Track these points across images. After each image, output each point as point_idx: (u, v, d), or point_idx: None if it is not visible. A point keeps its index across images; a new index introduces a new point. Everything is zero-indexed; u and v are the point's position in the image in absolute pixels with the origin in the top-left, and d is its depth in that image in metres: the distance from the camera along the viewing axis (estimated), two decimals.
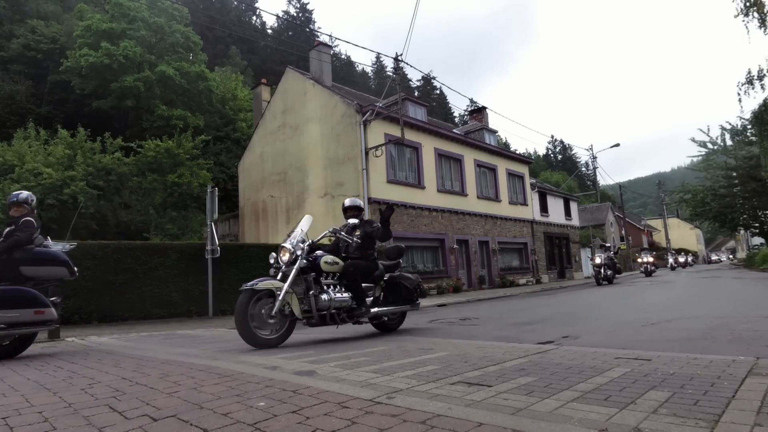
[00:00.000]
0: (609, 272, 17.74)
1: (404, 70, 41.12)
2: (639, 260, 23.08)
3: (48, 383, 2.95)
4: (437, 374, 2.68)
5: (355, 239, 5.33)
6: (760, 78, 15.30)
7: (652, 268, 22.72)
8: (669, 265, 33.31)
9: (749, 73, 15.57)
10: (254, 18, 63.20)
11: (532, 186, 26.85)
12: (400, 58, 16.12)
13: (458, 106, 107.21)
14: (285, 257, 4.85)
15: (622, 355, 3.06)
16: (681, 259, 38.36)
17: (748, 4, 14.08)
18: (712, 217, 33.77)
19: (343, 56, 68.68)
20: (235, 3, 56.27)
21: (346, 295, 5.09)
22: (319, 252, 5.17)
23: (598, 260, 17.83)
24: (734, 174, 29.51)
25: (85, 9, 29.75)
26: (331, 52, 22.16)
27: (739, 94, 15.83)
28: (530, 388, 2.24)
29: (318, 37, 58.80)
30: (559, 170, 78.79)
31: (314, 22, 66.86)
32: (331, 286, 5.07)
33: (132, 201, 21.27)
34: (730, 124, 29.67)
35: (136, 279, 9.54)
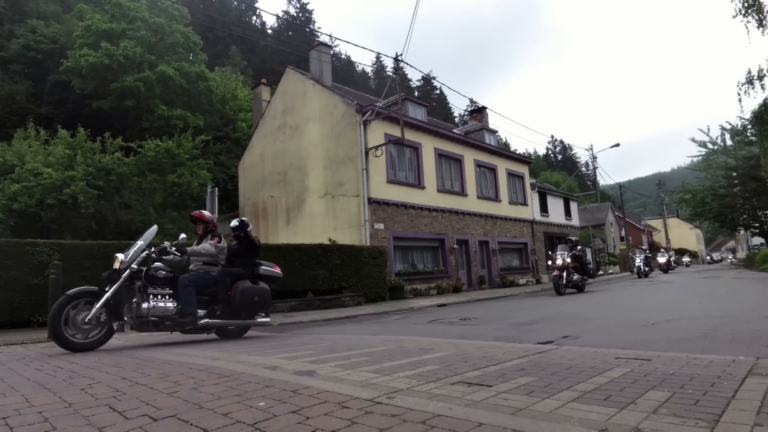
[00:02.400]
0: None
1: (404, 70, 41.11)
2: (549, 263, 14.06)
3: (48, 383, 2.94)
4: (437, 374, 2.68)
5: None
6: (760, 78, 15.30)
7: (576, 278, 13.23)
8: (636, 269, 22.37)
9: (749, 73, 15.58)
10: (254, 18, 63.27)
11: (532, 186, 26.84)
12: (400, 58, 16.13)
13: (458, 106, 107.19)
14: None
15: (622, 355, 3.06)
16: (662, 260, 28.30)
17: (746, 4, 14.06)
18: (712, 217, 33.76)
19: (343, 56, 68.72)
20: (235, 3, 56.27)
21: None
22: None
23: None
24: (734, 174, 29.49)
25: (85, 9, 29.73)
26: (331, 52, 22.16)
27: (739, 94, 15.83)
28: (530, 388, 2.24)
29: (318, 37, 58.78)
30: (559, 170, 78.81)
31: (314, 22, 66.97)
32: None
33: (132, 201, 21.25)
34: (730, 124, 29.66)
35: None
